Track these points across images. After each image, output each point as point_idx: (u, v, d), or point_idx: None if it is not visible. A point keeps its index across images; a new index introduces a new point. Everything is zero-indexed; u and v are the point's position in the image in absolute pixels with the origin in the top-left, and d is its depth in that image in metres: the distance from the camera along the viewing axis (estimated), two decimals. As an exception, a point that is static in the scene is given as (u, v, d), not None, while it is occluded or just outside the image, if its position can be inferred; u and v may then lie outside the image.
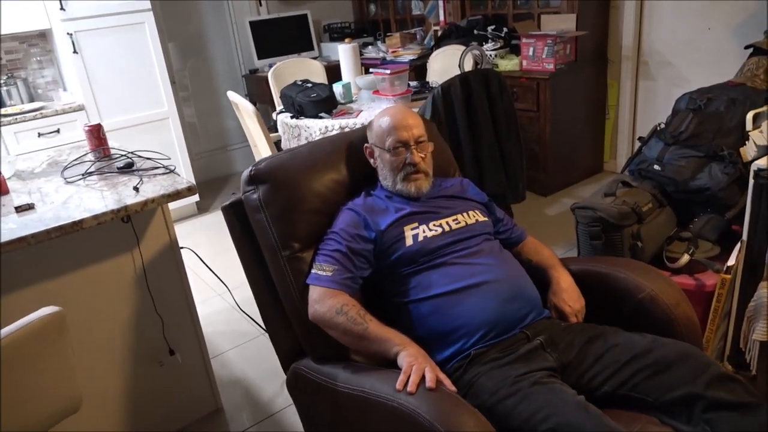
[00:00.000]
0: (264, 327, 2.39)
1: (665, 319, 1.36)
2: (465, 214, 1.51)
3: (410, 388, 1.13)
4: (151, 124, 3.56)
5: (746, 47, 2.43)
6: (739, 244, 1.81)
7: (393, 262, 1.43)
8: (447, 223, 1.47)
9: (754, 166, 1.72)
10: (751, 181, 1.74)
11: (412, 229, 1.44)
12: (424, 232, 1.44)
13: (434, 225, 1.46)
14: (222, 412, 2.07)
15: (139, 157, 1.94)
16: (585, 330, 1.35)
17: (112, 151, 2.02)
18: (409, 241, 1.42)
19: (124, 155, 1.95)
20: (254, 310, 2.31)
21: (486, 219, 1.55)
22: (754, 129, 1.91)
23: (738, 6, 2.98)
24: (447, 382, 1.19)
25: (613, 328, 1.35)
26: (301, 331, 1.44)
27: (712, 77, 2.52)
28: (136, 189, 1.66)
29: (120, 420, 1.85)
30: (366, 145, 1.58)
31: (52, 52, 3.58)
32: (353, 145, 1.62)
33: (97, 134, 1.99)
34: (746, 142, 1.94)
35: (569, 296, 1.46)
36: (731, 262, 1.80)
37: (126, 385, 1.84)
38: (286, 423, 1.99)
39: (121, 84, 3.42)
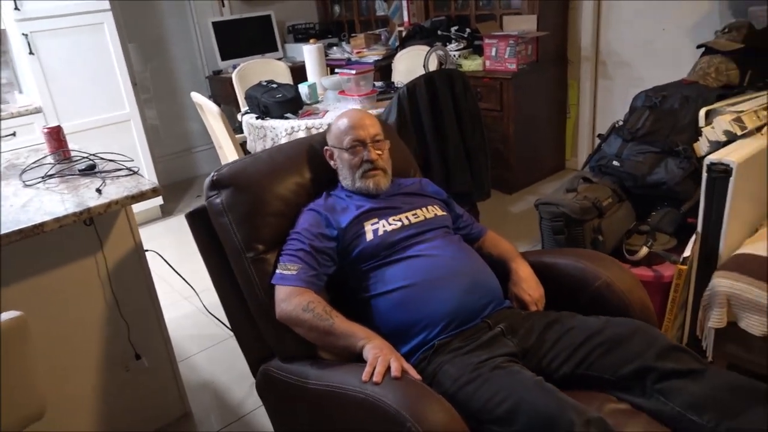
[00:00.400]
0: (232, 330, 2.38)
1: (621, 305, 1.42)
2: (424, 208, 1.56)
3: (376, 378, 1.16)
4: (112, 126, 3.49)
5: (698, 47, 2.52)
6: (694, 236, 1.89)
7: (355, 258, 1.46)
8: (406, 217, 1.52)
9: (706, 161, 1.79)
10: (704, 175, 1.81)
11: (372, 224, 1.48)
12: (383, 226, 1.48)
13: (394, 219, 1.50)
14: (191, 416, 2.05)
15: (101, 159, 1.90)
16: (543, 316, 1.41)
17: (73, 154, 1.97)
18: (369, 236, 1.46)
19: (86, 157, 1.91)
20: (222, 313, 2.30)
21: (445, 213, 1.60)
22: (706, 125, 1.99)
23: (691, 8, 3.09)
24: (412, 371, 1.22)
25: (570, 312, 1.41)
26: (268, 332, 1.46)
27: (666, 76, 2.60)
28: (98, 191, 1.63)
29: (87, 426, 1.81)
30: (326, 147, 1.63)
31: (7, 53, 3.47)
32: (314, 149, 1.67)
33: (56, 136, 1.94)
34: (699, 138, 2.02)
35: (528, 285, 1.51)
36: (687, 253, 1.87)
37: (92, 390, 1.80)
38: (255, 425, 1.98)
39: (80, 86, 3.34)
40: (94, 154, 1.92)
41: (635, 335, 1.26)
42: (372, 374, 1.17)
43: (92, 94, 3.39)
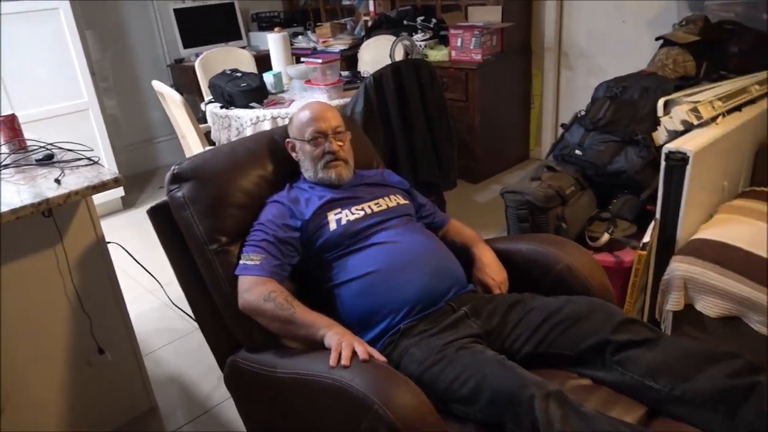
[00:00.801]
0: (198, 322, 2.35)
1: (581, 287, 1.47)
2: (386, 198, 1.59)
3: (344, 362, 1.17)
4: (69, 116, 3.37)
5: (657, 39, 2.59)
6: (653, 223, 1.95)
7: (319, 249, 1.47)
8: (369, 206, 1.54)
9: (665, 149, 1.85)
10: (663, 164, 1.86)
11: (335, 214, 1.50)
12: (346, 216, 1.50)
13: (356, 209, 1.52)
14: (157, 411, 2.02)
15: (60, 148, 1.84)
16: (506, 298, 1.44)
17: (29, 143, 1.90)
18: (332, 226, 1.48)
19: (43, 147, 1.85)
20: (187, 306, 2.27)
21: (407, 202, 1.62)
22: (664, 115, 2.05)
23: (650, 2, 3.17)
24: (377, 354, 1.23)
25: (531, 294, 1.45)
26: (234, 324, 1.45)
27: (626, 67, 2.66)
28: (57, 181, 1.58)
29: (49, 423, 1.77)
30: (287, 140, 1.64)
31: (-45, 39, 3.32)
32: (275, 142, 1.68)
33: (11, 125, 1.87)
34: (658, 128, 2.08)
35: (492, 270, 1.55)
36: (646, 239, 1.93)
37: (54, 386, 1.76)
38: (223, 418, 1.97)
39: (34, 74, 3.22)
40: (51, 144, 1.86)
41: (593, 312, 1.31)
42: (339, 359, 1.18)
43: (48, 82, 3.27)
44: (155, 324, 2.52)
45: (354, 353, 1.19)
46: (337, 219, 1.49)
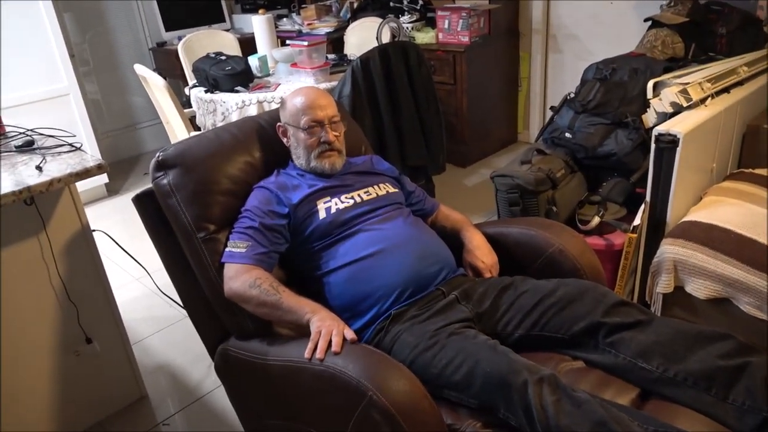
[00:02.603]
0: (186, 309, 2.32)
1: (572, 268, 1.48)
2: (376, 186, 1.57)
3: (318, 354, 1.17)
4: (49, 101, 3.29)
5: (646, 20, 2.58)
6: (643, 206, 1.95)
7: (307, 237, 1.46)
8: (359, 195, 1.53)
9: (655, 132, 1.85)
10: (653, 146, 1.86)
11: (324, 203, 1.48)
12: (336, 204, 1.48)
13: (346, 198, 1.51)
14: (147, 400, 2.00)
15: (40, 134, 1.80)
16: (497, 282, 1.44)
17: (8, 129, 1.85)
18: (322, 214, 1.46)
19: (23, 133, 1.80)
20: (175, 293, 2.24)
21: (397, 190, 1.61)
22: (654, 97, 2.04)
23: (637, -19, 3.15)
24: (350, 334, 1.22)
25: (522, 277, 1.44)
26: (223, 311, 1.44)
27: (614, 49, 2.65)
28: (38, 168, 1.54)
29: (39, 412, 1.75)
30: (279, 124, 1.60)
31: (-72, 22, 3.22)
32: (261, 127, 1.65)
33: (-11, 111, 1.82)
34: (647, 110, 2.07)
35: (482, 253, 1.54)
36: (637, 222, 1.93)
37: (42, 376, 1.73)
38: (214, 405, 1.95)
39: (11, 58, 3.13)
40: (31, 130, 1.81)
41: (585, 294, 1.31)
42: (315, 350, 1.18)
43: (25, 66, 3.18)
44: (142, 312, 2.48)
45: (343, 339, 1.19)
46: (326, 207, 1.47)
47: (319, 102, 1.54)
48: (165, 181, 1.44)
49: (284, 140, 1.60)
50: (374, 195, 1.54)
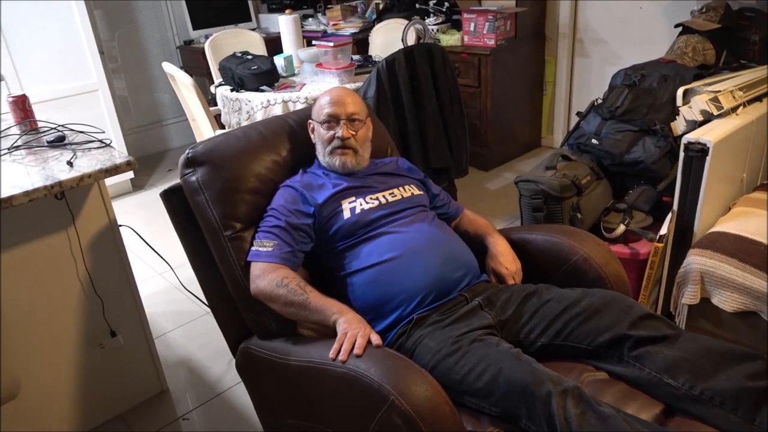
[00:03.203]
0: (208, 306, 2.35)
1: (597, 277, 1.45)
2: (401, 188, 1.57)
3: (341, 356, 1.17)
4: (78, 96, 3.35)
5: (676, 26, 2.54)
6: (670, 215, 1.92)
7: (331, 236, 1.46)
8: (383, 196, 1.52)
9: (684, 140, 1.82)
10: (682, 154, 1.83)
11: (349, 203, 1.48)
12: (361, 205, 1.48)
13: (371, 198, 1.50)
14: (168, 394, 2.03)
15: (71, 130, 1.83)
16: (521, 289, 1.42)
17: (40, 124, 1.89)
18: (346, 214, 1.46)
19: (54, 128, 1.83)
20: (198, 289, 2.26)
21: (422, 193, 1.60)
22: (684, 104, 2.01)
23: (667, -14, 3.11)
24: (375, 338, 1.21)
25: (546, 285, 1.42)
26: (246, 310, 1.44)
27: (642, 55, 2.62)
28: (69, 164, 1.56)
29: (62, 404, 1.78)
30: (309, 121, 1.62)
31: (-36, 17, 3.29)
32: (289, 126, 1.66)
33: (22, 106, 1.86)
34: (676, 117, 2.04)
35: (505, 259, 1.53)
36: (663, 231, 1.90)
37: (66, 368, 1.76)
38: (233, 402, 1.97)
39: (44, 54, 3.19)
40: (63, 126, 1.85)
41: (611, 305, 1.29)
42: (339, 351, 1.18)
43: (57, 62, 3.25)
44: (165, 307, 2.52)
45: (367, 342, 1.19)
46: (351, 207, 1.47)
47: (342, 99, 1.55)
48: (194, 178, 1.45)
49: (312, 137, 1.61)
50: (399, 197, 1.53)
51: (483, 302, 1.37)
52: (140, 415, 1.93)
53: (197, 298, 2.39)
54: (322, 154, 1.56)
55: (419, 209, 1.54)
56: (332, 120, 1.53)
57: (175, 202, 1.50)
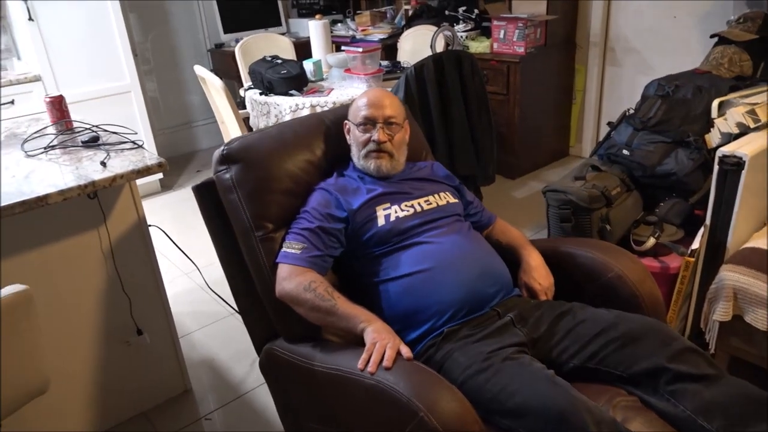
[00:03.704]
0: (233, 307, 2.37)
1: (631, 296, 1.41)
2: (436, 195, 1.54)
3: (370, 368, 1.15)
4: (112, 97, 3.42)
5: (712, 36, 2.49)
6: (702, 229, 1.88)
7: (365, 242, 1.44)
8: (419, 203, 1.49)
9: (719, 153, 1.77)
10: (716, 167, 1.79)
11: (384, 210, 1.46)
12: (396, 212, 1.46)
13: (406, 206, 1.48)
14: (191, 393, 2.04)
15: (105, 131, 1.86)
16: (554, 306, 1.39)
17: (75, 125, 1.93)
18: (381, 221, 1.44)
19: (89, 129, 1.87)
20: (223, 290, 2.27)
21: (457, 201, 1.57)
22: (719, 117, 1.97)
23: (703, -4, 3.05)
24: (405, 351, 1.19)
25: (580, 304, 1.39)
26: (274, 312, 1.44)
27: (676, 65, 2.57)
28: (103, 164, 1.59)
29: (87, 401, 1.81)
30: (345, 121, 1.60)
31: (5, 18, 3.39)
32: (324, 126, 1.63)
33: (59, 106, 1.90)
34: (711, 129, 2.00)
35: (539, 274, 1.50)
36: (695, 245, 1.86)
37: (92, 365, 1.79)
38: (255, 403, 1.98)
39: (80, 55, 3.27)
40: (97, 126, 1.88)
41: (650, 333, 1.24)
42: (368, 362, 1.16)
43: (92, 63, 3.32)
44: (189, 306, 2.55)
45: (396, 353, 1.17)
46: (386, 215, 1.45)
47: (380, 101, 1.52)
48: (227, 176, 1.44)
49: (347, 138, 1.59)
50: (434, 205, 1.50)
51: (515, 318, 1.34)
52: (163, 414, 1.95)
53: (222, 299, 2.41)
54: (357, 156, 1.54)
55: (454, 218, 1.51)
56: (369, 123, 1.51)
57: (207, 198, 1.49)
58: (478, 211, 1.65)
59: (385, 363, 1.15)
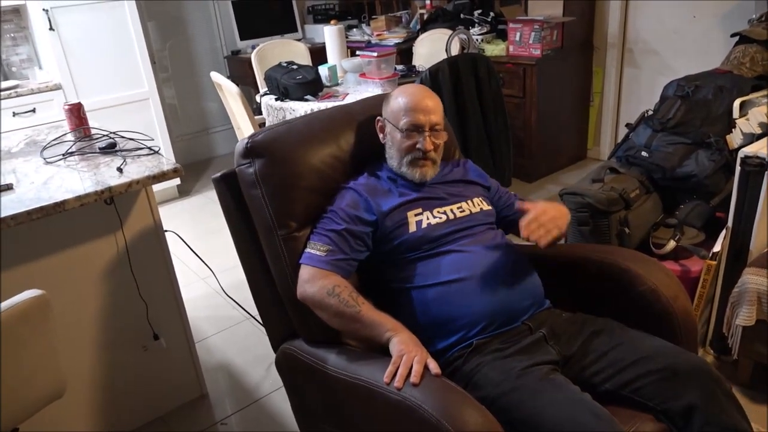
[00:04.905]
0: (249, 312, 2.37)
1: (664, 312, 1.35)
2: (470, 201, 1.48)
3: (397, 383, 1.11)
4: (130, 104, 3.47)
5: (733, 35, 2.45)
6: (724, 231, 1.84)
7: (394, 248, 1.39)
8: (452, 210, 1.44)
9: (741, 154, 1.74)
10: (738, 169, 1.75)
11: (416, 215, 1.40)
12: (428, 219, 1.41)
13: (438, 212, 1.42)
14: (207, 398, 2.05)
15: (122, 137, 1.88)
16: (587, 323, 1.34)
17: (93, 131, 1.96)
18: (412, 228, 1.39)
19: (106, 135, 1.89)
20: (239, 295, 2.28)
21: (490, 208, 1.51)
22: (740, 117, 1.93)
23: (723, -6, 3.00)
24: (433, 366, 1.15)
25: (616, 323, 1.34)
26: (294, 312, 1.40)
27: (696, 66, 2.53)
28: (119, 170, 1.61)
29: (103, 405, 1.82)
30: (378, 118, 1.50)
31: (27, 28, 3.46)
32: (354, 120, 1.53)
33: (77, 113, 1.93)
34: (732, 130, 1.96)
35: (540, 220, 1.31)
36: (717, 248, 1.82)
37: (109, 370, 1.80)
38: (271, 408, 1.98)
39: (99, 63, 3.32)
40: (114, 133, 1.91)
41: (693, 372, 1.19)
42: (394, 374, 1.13)
43: (111, 71, 3.38)
44: (205, 311, 2.56)
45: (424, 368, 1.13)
46: (417, 221, 1.39)
47: (425, 104, 1.42)
48: (251, 170, 1.37)
49: (380, 136, 1.50)
50: (467, 212, 1.45)
51: (547, 334, 1.30)
52: (179, 418, 1.96)
53: (238, 304, 2.42)
54: (396, 160, 1.45)
55: (486, 227, 1.45)
56: (415, 130, 1.41)
57: (227, 191, 1.44)
58: (511, 212, 1.55)
59: (413, 379, 1.11)
